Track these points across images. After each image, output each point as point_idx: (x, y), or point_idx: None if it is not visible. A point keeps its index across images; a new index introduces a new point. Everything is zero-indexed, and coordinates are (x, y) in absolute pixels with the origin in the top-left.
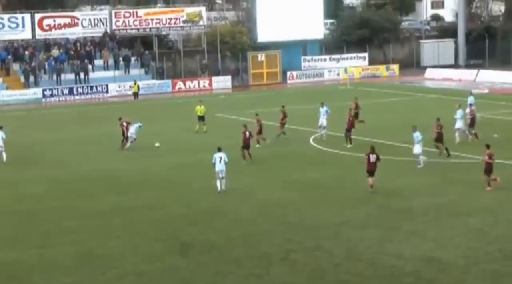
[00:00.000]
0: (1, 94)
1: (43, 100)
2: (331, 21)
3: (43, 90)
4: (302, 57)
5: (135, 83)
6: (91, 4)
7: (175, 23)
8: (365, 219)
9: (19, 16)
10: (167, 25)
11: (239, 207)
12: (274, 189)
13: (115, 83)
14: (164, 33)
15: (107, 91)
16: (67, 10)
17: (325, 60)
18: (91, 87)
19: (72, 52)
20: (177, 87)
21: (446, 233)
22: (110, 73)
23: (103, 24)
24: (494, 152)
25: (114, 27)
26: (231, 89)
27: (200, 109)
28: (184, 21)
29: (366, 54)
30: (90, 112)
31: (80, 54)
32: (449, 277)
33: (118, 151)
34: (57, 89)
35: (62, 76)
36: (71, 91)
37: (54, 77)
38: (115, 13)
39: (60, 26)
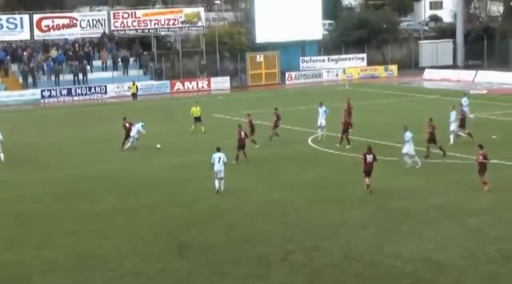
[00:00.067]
0: (0, 95)
1: (42, 101)
2: (330, 21)
3: (42, 91)
4: (301, 58)
5: (133, 84)
6: (90, 5)
7: (173, 24)
8: (364, 219)
9: (17, 17)
10: (165, 26)
11: (238, 208)
12: (272, 189)
13: (113, 84)
14: (162, 33)
15: (105, 92)
16: (65, 11)
17: (323, 60)
18: (90, 88)
19: (70, 53)
20: (175, 88)
21: (444, 233)
22: (108, 74)
23: (101, 25)
24: (488, 152)
25: (112, 27)
26: (230, 89)
27: (196, 110)
28: (182, 22)
29: (364, 55)
30: (88, 113)
31: (78, 55)
32: (447, 277)
33: (117, 152)
34: (56, 90)
35: (61, 77)
36: (69, 92)
37: (53, 78)
38: (114, 13)
39: (58, 27)
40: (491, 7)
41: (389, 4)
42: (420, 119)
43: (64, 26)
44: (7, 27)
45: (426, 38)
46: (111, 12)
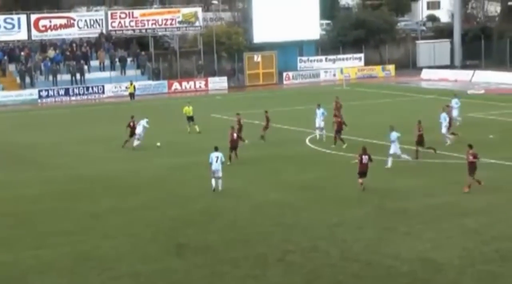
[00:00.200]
0: None
1: (39, 101)
2: (327, 21)
3: (39, 91)
4: (298, 58)
5: (131, 84)
6: (87, 5)
7: (171, 24)
8: (362, 219)
9: (15, 17)
10: (163, 26)
11: (236, 208)
12: (270, 189)
13: (111, 84)
14: (160, 34)
15: (103, 92)
16: (63, 11)
17: (321, 60)
18: (87, 88)
19: (68, 53)
20: (173, 88)
21: (442, 233)
22: (106, 74)
23: (99, 25)
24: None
25: (110, 28)
26: (227, 89)
27: (188, 110)
28: (180, 22)
29: (362, 55)
30: (86, 113)
31: (76, 55)
32: (445, 277)
33: (115, 151)
34: (53, 90)
35: (58, 77)
36: (67, 92)
37: (50, 78)
38: (111, 13)
39: (56, 27)
40: (489, 7)
41: (387, 4)
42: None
43: (62, 26)
44: (5, 27)
45: (423, 38)
46: (109, 12)
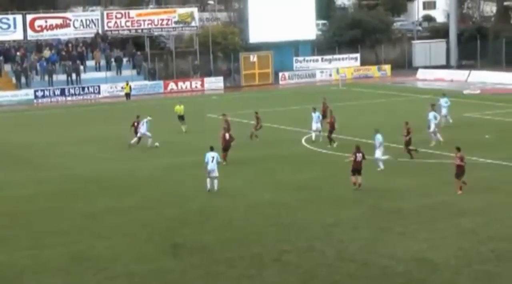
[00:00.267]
0: None
1: (35, 101)
2: (323, 21)
3: (35, 91)
4: (294, 58)
5: (127, 84)
6: (83, 5)
7: (167, 24)
8: (357, 219)
9: (10, 17)
10: (159, 26)
11: (231, 208)
12: (266, 189)
13: (107, 84)
14: (156, 34)
15: (99, 92)
16: (58, 11)
17: (317, 60)
18: (83, 88)
19: (63, 53)
20: (169, 88)
21: (438, 233)
22: (102, 74)
23: (94, 25)
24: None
25: (106, 28)
26: (223, 90)
27: (179, 109)
28: (176, 22)
29: (358, 55)
30: (82, 113)
31: (71, 55)
32: (441, 277)
33: (110, 152)
34: (49, 90)
35: (54, 77)
36: (62, 92)
37: (46, 78)
38: (107, 14)
39: (51, 27)
40: (484, 7)
41: (383, 4)
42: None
43: (57, 26)
44: (0, 27)
45: (419, 38)
46: (105, 12)
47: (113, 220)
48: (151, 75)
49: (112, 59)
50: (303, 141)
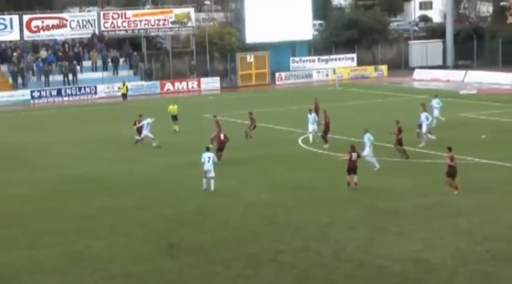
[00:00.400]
0: None
1: (31, 101)
2: (320, 22)
3: (31, 92)
4: (291, 58)
5: (123, 84)
6: (79, 6)
7: (163, 24)
8: (353, 219)
9: (7, 17)
10: (155, 26)
11: (228, 208)
12: (262, 189)
13: (103, 84)
14: (152, 34)
15: (95, 92)
16: (55, 12)
17: (313, 61)
18: (80, 89)
19: (60, 54)
20: (165, 88)
21: (434, 233)
22: (98, 74)
23: (91, 25)
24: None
25: (102, 28)
26: (220, 90)
27: (173, 109)
28: (172, 22)
29: (354, 55)
30: (78, 113)
31: (68, 56)
32: (437, 277)
33: (107, 152)
34: (46, 90)
35: (50, 77)
36: (59, 93)
37: (42, 78)
38: (104, 14)
39: (48, 28)
40: (481, 7)
41: (379, 4)
42: (408, 119)
43: (54, 27)
44: None
45: (416, 38)
46: (101, 13)
47: (110, 220)
48: (148, 76)
49: (109, 60)
50: (299, 141)
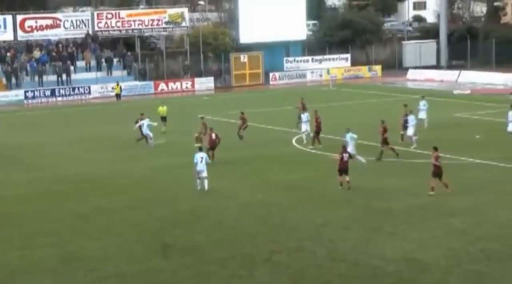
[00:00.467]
0: None
1: (25, 101)
2: (314, 22)
3: (25, 92)
4: (285, 58)
5: (117, 85)
6: (73, 6)
7: (157, 24)
8: (348, 219)
9: (0, 17)
10: (149, 26)
11: (222, 208)
12: (256, 190)
13: (97, 84)
14: (146, 34)
15: (89, 93)
16: (49, 12)
17: (307, 61)
18: (73, 89)
19: (54, 54)
20: (159, 89)
21: (428, 233)
22: (92, 75)
23: (85, 25)
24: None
25: (96, 28)
26: (214, 90)
27: (162, 110)
28: (166, 23)
29: (348, 55)
30: (72, 113)
31: (62, 56)
32: (431, 277)
33: (101, 152)
34: (39, 90)
35: (44, 77)
36: (53, 93)
37: (36, 78)
38: (97, 14)
39: (42, 28)
40: (475, 8)
41: (373, 4)
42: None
43: (48, 27)
44: None
45: (409, 38)
46: (95, 13)
47: (104, 220)
48: (142, 76)
49: (103, 60)
50: (293, 141)
